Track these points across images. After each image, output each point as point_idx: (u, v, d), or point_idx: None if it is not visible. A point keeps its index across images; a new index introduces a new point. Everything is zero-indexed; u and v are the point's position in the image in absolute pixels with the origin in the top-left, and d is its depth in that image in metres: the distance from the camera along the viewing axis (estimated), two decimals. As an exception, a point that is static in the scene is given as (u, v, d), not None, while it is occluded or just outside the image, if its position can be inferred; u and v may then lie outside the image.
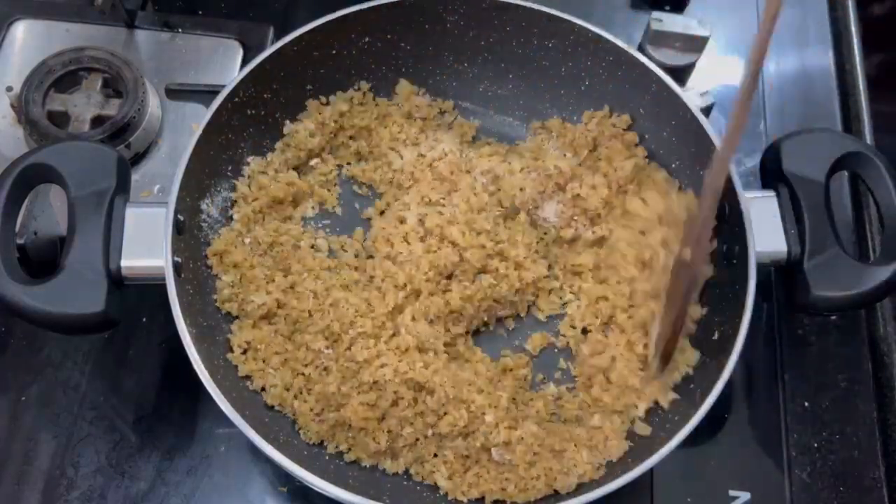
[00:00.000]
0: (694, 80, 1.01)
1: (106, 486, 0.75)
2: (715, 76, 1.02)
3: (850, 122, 1.00)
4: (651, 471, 0.64)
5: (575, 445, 0.70)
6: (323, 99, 0.84)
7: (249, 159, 0.81)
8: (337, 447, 0.71)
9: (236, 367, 0.73)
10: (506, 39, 0.84)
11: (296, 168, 0.82)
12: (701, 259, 0.65)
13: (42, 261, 0.78)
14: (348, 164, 0.85)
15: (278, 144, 0.82)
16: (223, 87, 0.75)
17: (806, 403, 0.83)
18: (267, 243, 0.77)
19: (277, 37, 0.87)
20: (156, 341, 0.81)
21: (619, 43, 0.79)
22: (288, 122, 0.83)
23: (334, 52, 0.82)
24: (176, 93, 0.92)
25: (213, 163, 0.76)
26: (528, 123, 0.88)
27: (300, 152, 0.82)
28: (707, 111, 0.95)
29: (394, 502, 0.67)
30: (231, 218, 0.78)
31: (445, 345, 0.74)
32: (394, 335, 0.72)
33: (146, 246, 0.67)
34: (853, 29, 1.05)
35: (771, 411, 0.82)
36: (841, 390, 0.84)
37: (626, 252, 0.77)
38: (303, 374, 0.71)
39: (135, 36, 0.95)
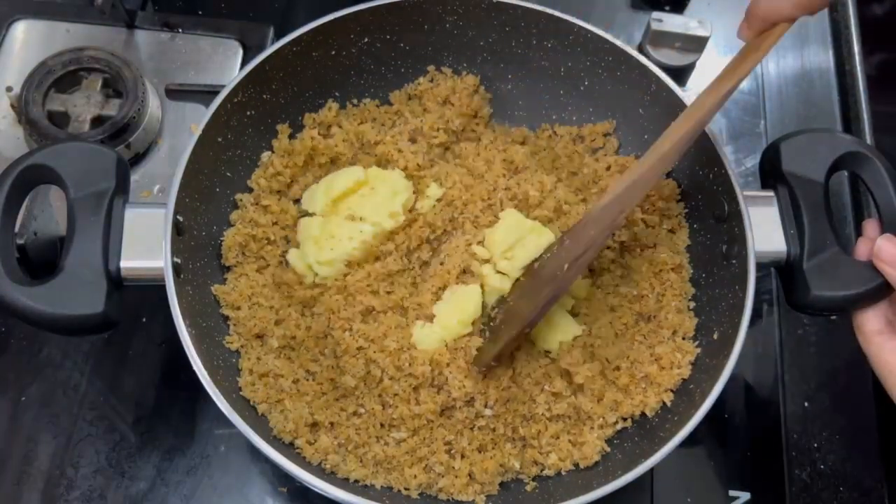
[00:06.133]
0: (694, 80, 1.01)
1: (106, 486, 0.75)
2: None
3: (850, 122, 1.00)
4: (651, 471, 0.64)
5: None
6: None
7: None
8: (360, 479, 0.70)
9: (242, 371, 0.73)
10: (505, 39, 0.84)
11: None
12: (572, 280, 0.70)
13: (42, 261, 0.78)
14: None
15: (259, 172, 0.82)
16: (223, 87, 0.74)
17: (806, 403, 0.83)
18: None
19: (277, 37, 0.87)
20: (156, 341, 0.81)
21: (619, 43, 0.79)
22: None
23: (334, 52, 0.82)
24: (176, 93, 0.92)
25: (213, 163, 0.76)
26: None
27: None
28: (707, 111, 0.95)
29: (393, 502, 0.67)
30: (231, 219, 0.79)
31: None
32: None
33: (146, 247, 0.67)
34: (853, 29, 1.05)
35: (771, 411, 0.82)
36: (841, 390, 0.84)
37: None
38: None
39: (135, 36, 0.95)
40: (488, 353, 0.72)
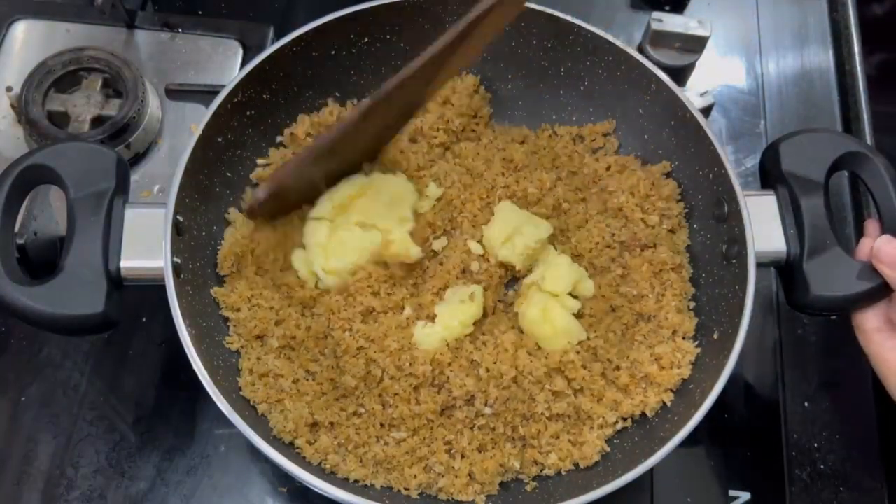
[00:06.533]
0: (694, 80, 1.01)
1: (106, 486, 0.75)
2: (715, 76, 1.02)
3: (850, 122, 1.00)
4: (651, 471, 0.64)
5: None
6: (322, 102, 0.85)
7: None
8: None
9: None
10: (505, 39, 0.84)
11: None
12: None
13: (42, 261, 0.78)
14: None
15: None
16: (223, 87, 0.74)
17: (806, 403, 0.83)
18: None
19: (277, 37, 0.87)
20: (156, 341, 0.81)
21: (619, 43, 0.79)
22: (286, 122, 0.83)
23: (334, 52, 0.82)
24: (176, 93, 0.92)
25: (213, 163, 0.76)
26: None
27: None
28: (707, 111, 0.95)
29: (393, 502, 0.67)
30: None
31: None
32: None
33: (146, 247, 0.67)
34: (853, 29, 1.05)
35: (771, 411, 0.82)
36: (841, 390, 0.84)
37: None
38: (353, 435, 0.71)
39: (135, 36, 0.95)
40: None
